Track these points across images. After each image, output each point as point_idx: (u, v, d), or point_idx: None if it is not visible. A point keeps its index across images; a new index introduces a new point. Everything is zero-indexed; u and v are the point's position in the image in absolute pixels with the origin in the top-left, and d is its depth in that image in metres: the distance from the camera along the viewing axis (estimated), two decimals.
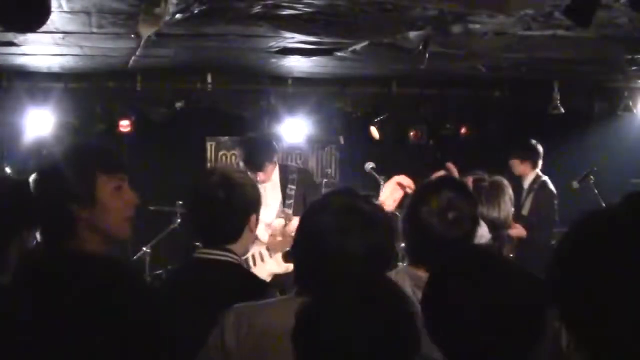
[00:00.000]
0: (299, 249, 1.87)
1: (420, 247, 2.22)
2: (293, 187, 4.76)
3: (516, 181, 5.29)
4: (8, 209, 1.88)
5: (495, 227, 2.55)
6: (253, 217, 2.30)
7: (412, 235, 2.24)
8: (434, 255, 2.14)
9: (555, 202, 5.52)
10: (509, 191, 2.66)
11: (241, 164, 4.60)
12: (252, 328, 1.83)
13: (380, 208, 2.00)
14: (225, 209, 2.22)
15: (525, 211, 5.50)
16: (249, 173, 4.19)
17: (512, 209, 2.65)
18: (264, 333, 1.79)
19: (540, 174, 5.68)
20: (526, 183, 5.68)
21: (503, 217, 2.59)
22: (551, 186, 5.58)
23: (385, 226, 1.87)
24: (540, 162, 5.72)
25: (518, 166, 5.71)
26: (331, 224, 1.79)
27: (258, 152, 4.55)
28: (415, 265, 2.22)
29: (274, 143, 4.78)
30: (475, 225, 2.18)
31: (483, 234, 2.61)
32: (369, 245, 1.78)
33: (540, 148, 5.74)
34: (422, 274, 2.16)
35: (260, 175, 4.51)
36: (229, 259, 2.24)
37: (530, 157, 5.71)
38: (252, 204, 2.30)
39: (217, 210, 2.22)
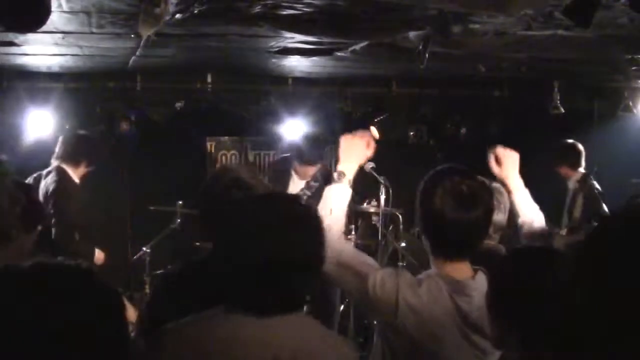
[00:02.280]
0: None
1: (442, 238, 2.15)
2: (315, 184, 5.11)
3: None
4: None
5: (498, 230, 2.59)
6: None
7: (432, 229, 2.18)
8: (461, 246, 2.13)
9: (599, 195, 5.38)
10: (505, 198, 2.74)
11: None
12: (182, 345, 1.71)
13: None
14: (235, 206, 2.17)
15: (577, 213, 5.43)
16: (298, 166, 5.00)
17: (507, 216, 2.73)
18: (195, 350, 1.69)
19: (583, 171, 5.61)
20: (571, 184, 5.65)
21: (504, 220, 2.64)
22: (593, 181, 5.47)
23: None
24: (582, 161, 5.64)
25: (561, 170, 5.69)
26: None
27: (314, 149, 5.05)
28: (444, 264, 2.16)
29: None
30: (489, 204, 2.16)
31: (534, 218, 2.60)
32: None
33: (579, 146, 5.65)
34: (459, 277, 2.13)
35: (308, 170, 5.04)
36: None
37: (567, 157, 5.67)
38: None
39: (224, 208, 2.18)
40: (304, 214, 1.79)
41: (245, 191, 2.24)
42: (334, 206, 2.34)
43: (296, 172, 5.19)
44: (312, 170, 5.10)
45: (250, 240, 1.70)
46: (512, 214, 2.70)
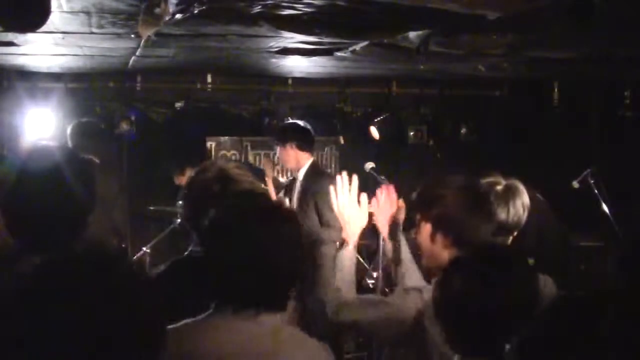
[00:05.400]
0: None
1: None
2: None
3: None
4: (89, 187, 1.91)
5: (505, 229, 2.50)
6: None
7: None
8: None
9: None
10: (524, 197, 2.60)
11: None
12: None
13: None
14: (219, 202, 2.14)
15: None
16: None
17: (525, 216, 2.58)
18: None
19: None
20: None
21: (513, 221, 2.54)
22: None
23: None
24: None
25: None
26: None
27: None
28: None
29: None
30: None
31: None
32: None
33: None
34: None
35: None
36: None
37: None
38: None
39: (209, 203, 2.16)
40: (289, 218, 1.82)
41: (225, 184, 2.26)
42: (345, 272, 2.35)
43: None
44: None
45: (245, 246, 1.71)
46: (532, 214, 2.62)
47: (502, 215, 2.47)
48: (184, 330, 1.70)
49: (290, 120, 5.58)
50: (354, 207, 2.41)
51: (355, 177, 2.43)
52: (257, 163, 7.10)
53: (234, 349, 1.67)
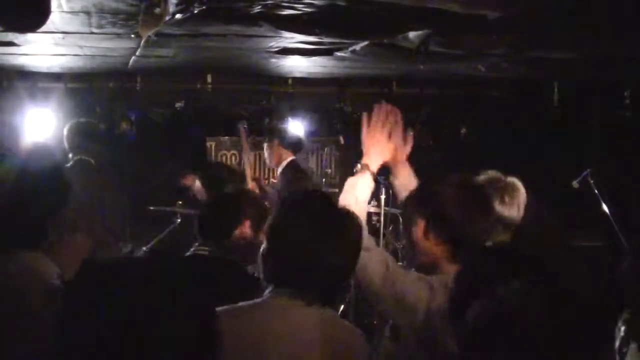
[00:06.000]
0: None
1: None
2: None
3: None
4: (53, 187, 2.01)
5: (503, 225, 2.51)
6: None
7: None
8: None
9: None
10: (522, 193, 2.62)
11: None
12: (245, 333, 1.86)
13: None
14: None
15: None
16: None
17: (522, 212, 2.61)
18: (257, 339, 1.84)
19: None
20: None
21: (511, 216, 2.55)
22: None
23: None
24: None
25: None
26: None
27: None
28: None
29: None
30: None
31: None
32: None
33: None
34: None
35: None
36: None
37: None
38: None
39: None
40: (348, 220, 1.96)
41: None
42: (359, 195, 2.37)
43: None
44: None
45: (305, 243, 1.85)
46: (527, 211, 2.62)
47: (500, 211, 2.48)
48: (239, 311, 1.86)
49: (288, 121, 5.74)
50: (381, 138, 2.53)
51: (398, 115, 2.50)
52: (258, 163, 7.11)
53: (287, 332, 1.82)
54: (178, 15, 3.09)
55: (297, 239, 1.84)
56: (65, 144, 4.86)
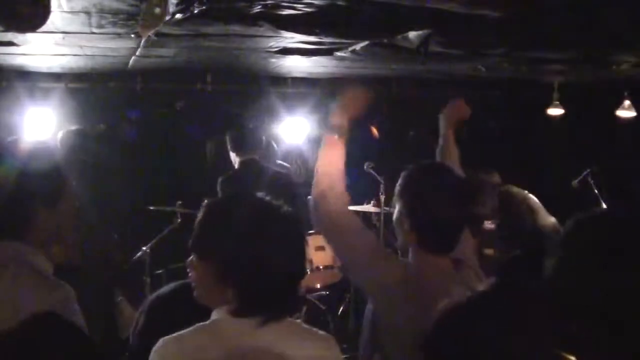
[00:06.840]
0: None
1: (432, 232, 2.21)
2: None
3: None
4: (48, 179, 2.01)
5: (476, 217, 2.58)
6: None
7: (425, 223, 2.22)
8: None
9: None
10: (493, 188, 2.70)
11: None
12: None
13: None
14: None
15: None
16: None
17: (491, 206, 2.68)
18: None
19: None
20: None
21: (484, 211, 2.64)
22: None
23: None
24: None
25: None
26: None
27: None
28: (427, 256, 2.21)
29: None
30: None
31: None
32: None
33: None
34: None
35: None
36: None
37: None
38: None
39: None
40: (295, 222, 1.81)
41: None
42: (332, 160, 2.37)
43: None
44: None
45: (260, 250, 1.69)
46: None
47: (481, 204, 2.53)
48: (189, 336, 1.67)
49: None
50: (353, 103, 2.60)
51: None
52: None
53: (243, 350, 1.66)
54: (178, 15, 3.09)
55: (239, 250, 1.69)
56: (60, 148, 4.89)
